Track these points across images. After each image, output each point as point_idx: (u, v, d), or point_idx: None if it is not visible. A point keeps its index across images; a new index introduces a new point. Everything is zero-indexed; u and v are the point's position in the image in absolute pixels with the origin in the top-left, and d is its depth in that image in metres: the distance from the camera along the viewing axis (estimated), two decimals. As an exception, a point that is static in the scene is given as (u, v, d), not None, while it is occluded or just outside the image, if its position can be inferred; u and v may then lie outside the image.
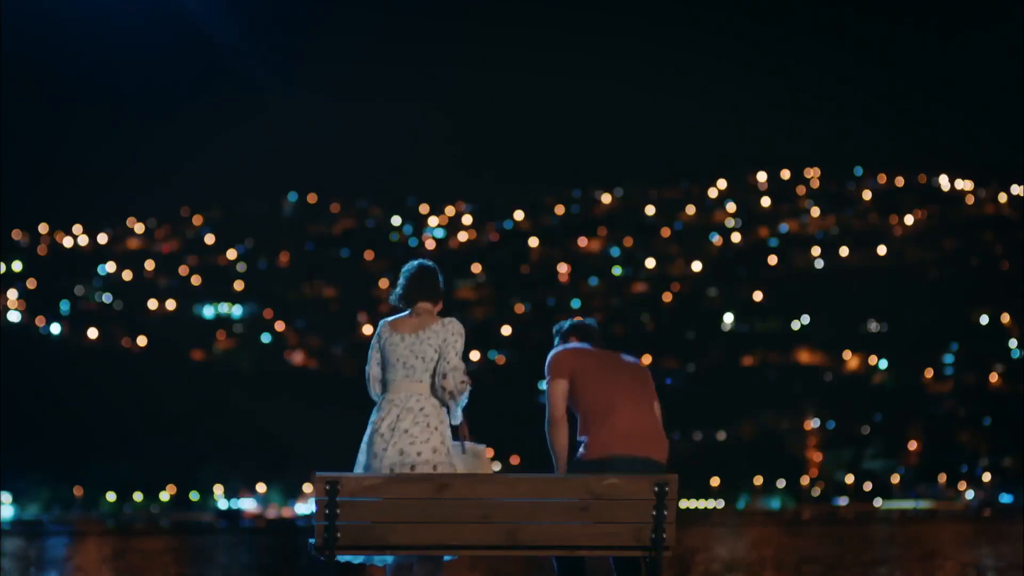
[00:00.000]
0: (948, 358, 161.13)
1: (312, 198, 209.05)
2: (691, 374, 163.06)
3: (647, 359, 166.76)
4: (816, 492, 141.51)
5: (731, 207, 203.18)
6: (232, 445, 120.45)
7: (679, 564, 15.83)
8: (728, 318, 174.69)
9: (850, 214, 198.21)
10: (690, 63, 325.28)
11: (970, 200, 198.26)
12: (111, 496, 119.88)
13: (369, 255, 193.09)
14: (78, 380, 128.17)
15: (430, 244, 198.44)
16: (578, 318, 7.63)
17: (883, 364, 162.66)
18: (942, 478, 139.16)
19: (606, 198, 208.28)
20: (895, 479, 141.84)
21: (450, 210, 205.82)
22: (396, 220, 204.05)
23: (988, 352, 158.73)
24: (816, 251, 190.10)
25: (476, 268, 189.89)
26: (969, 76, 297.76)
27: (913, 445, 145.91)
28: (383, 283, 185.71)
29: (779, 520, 63.10)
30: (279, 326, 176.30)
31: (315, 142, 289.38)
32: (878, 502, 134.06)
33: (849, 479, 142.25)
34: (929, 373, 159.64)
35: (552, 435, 7.31)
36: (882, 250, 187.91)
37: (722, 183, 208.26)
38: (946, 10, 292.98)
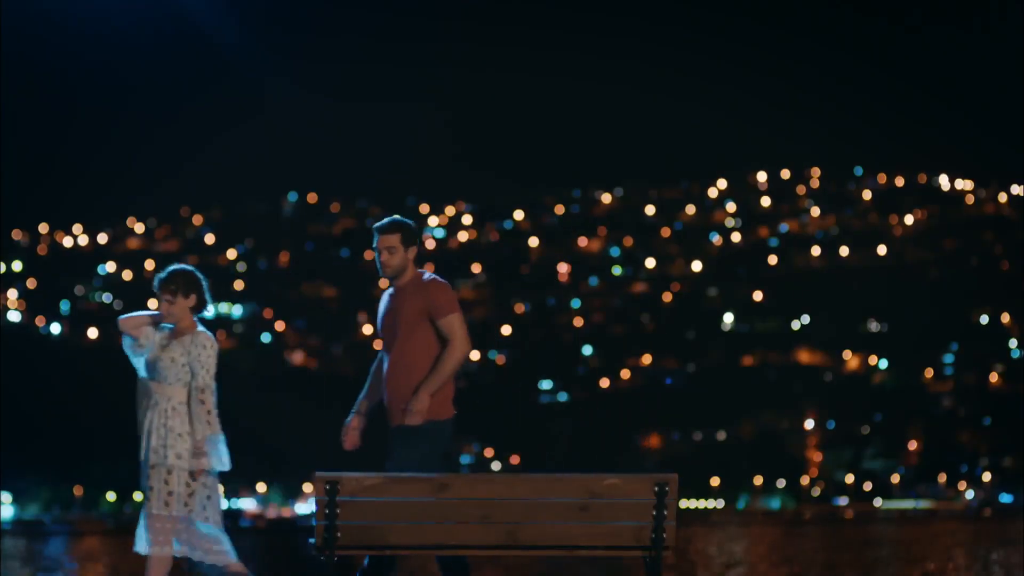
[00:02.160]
0: (948, 358, 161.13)
1: (312, 198, 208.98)
2: (691, 374, 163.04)
3: (647, 359, 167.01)
4: (816, 492, 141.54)
5: (731, 207, 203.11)
6: (232, 445, 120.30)
7: (678, 565, 15.83)
8: (728, 318, 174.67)
9: (850, 214, 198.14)
10: (690, 63, 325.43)
11: (970, 200, 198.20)
12: (111, 496, 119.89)
13: (369, 255, 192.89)
14: (78, 380, 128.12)
15: (430, 244, 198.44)
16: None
17: (883, 364, 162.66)
18: (942, 478, 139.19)
19: (606, 198, 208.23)
20: (895, 479, 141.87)
21: (450, 210, 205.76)
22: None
23: (988, 352, 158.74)
24: (816, 251, 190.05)
25: (476, 268, 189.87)
26: (969, 76, 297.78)
27: (913, 445, 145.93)
28: (383, 283, 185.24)
29: (779, 520, 63.12)
30: (279, 326, 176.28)
31: (315, 142, 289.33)
32: (878, 502, 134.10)
33: (849, 479, 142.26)
34: (929, 373, 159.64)
35: (456, 368, 7.27)
36: (882, 250, 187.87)
37: (722, 183, 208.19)
38: (946, 10, 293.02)
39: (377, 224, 7.50)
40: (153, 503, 7.26)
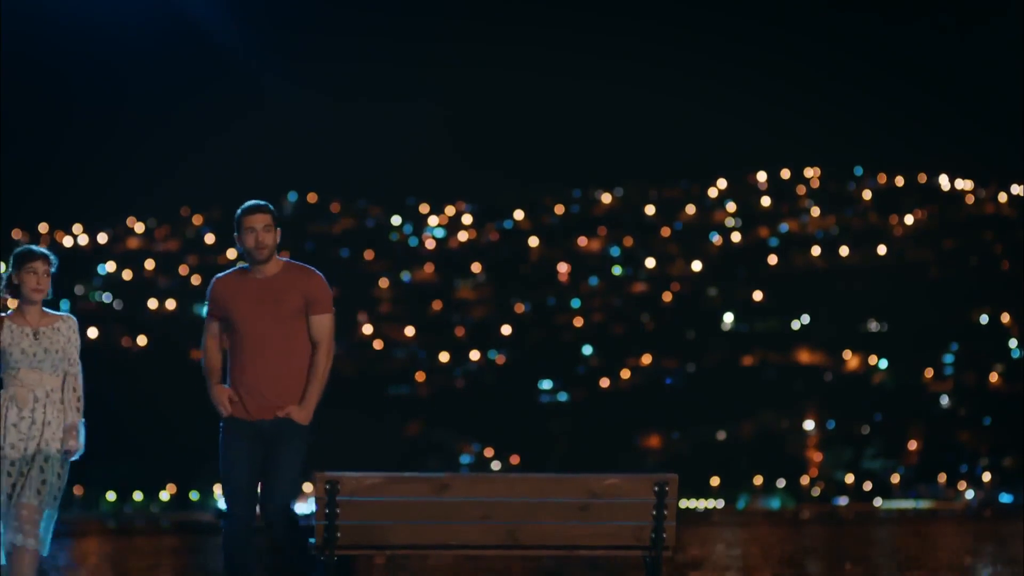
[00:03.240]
0: (948, 358, 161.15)
1: (312, 198, 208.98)
2: (691, 374, 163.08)
3: (647, 359, 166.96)
4: (816, 492, 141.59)
5: (731, 207, 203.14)
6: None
7: (678, 565, 15.83)
8: (728, 318, 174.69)
9: (850, 214, 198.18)
10: (690, 63, 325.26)
11: (970, 200, 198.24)
12: (111, 496, 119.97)
13: (369, 255, 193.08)
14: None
15: (430, 244, 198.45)
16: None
17: (883, 364, 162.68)
18: (942, 478, 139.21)
19: (606, 198, 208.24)
20: (895, 479, 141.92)
21: (450, 210, 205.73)
22: (396, 220, 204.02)
23: (988, 352, 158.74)
24: (816, 251, 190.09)
25: (476, 268, 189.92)
26: (969, 76, 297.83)
27: (913, 445, 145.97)
28: (383, 283, 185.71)
29: (779, 520, 63.09)
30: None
31: (315, 142, 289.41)
32: (878, 502, 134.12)
33: (849, 479, 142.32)
34: (929, 373, 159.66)
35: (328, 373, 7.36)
36: (882, 250, 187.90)
37: (722, 183, 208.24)
38: (946, 9, 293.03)
39: (248, 205, 7.42)
40: (28, 493, 6.94)
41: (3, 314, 7.18)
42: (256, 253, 7.36)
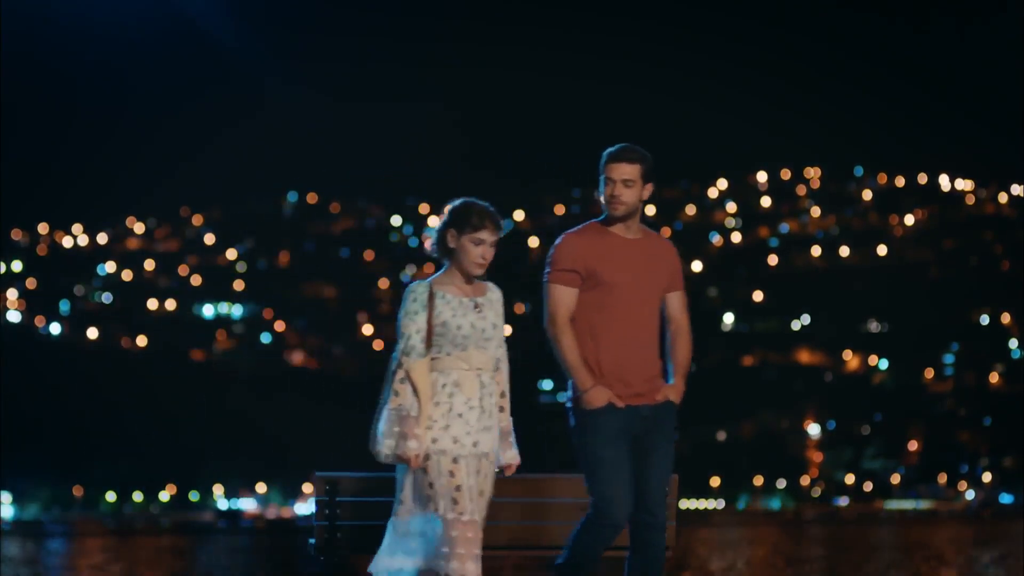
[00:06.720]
0: (948, 358, 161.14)
1: (312, 198, 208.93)
2: (691, 374, 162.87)
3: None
4: (816, 492, 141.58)
5: (731, 207, 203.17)
6: (232, 445, 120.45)
7: (679, 565, 15.82)
8: (728, 318, 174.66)
9: (850, 214, 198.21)
10: (690, 63, 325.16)
11: (970, 200, 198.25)
12: (111, 496, 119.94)
13: (369, 255, 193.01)
14: (78, 380, 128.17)
15: (430, 244, 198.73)
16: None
17: (883, 364, 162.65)
18: (942, 478, 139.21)
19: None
20: (895, 479, 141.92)
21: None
22: (396, 220, 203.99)
23: (988, 352, 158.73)
24: (816, 251, 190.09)
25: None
26: (969, 76, 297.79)
27: (913, 445, 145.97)
28: (383, 283, 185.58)
29: (779, 520, 63.07)
30: (279, 326, 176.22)
31: (315, 142, 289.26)
32: (878, 502, 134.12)
33: (849, 479, 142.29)
34: (929, 373, 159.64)
35: None
36: (882, 250, 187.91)
37: (722, 183, 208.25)
38: (947, 9, 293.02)
39: (615, 148, 6.25)
40: (473, 505, 5.69)
41: (423, 281, 6.19)
42: (611, 208, 6.33)
